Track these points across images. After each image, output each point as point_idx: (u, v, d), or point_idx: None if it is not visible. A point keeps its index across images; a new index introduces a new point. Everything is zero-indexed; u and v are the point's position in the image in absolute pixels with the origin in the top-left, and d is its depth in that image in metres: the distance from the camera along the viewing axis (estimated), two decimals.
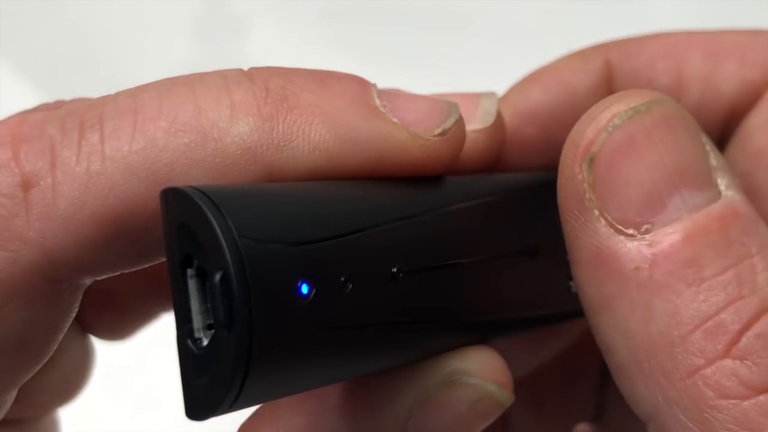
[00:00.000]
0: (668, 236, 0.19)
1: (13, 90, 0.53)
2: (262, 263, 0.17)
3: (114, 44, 0.57)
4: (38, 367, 0.20)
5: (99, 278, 0.19)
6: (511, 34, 0.55)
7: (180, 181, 0.18)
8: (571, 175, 0.20)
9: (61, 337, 0.20)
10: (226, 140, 0.19)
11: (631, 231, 0.19)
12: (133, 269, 0.20)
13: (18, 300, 0.18)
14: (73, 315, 0.20)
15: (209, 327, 0.17)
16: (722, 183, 0.20)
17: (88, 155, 0.18)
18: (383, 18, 0.58)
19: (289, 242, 0.17)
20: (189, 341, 0.17)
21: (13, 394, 0.21)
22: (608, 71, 0.26)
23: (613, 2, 0.55)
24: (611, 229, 0.19)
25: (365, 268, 0.18)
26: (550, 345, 0.29)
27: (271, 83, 0.19)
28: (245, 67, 0.20)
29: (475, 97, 0.24)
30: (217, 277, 0.16)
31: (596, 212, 0.19)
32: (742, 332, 0.18)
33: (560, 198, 0.20)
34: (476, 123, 0.23)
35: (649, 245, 0.19)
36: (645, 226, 0.19)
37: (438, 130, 0.21)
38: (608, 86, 0.26)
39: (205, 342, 0.17)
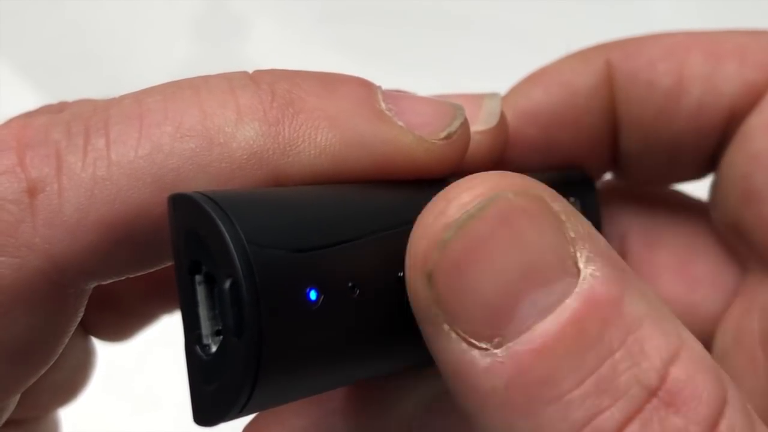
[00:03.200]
0: (520, 352, 0.17)
1: (14, 90, 0.53)
2: (271, 270, 0.17)
3: (114, 44, 0.57)
4: (43, 371, 0.20)
5: (104, 283, 0.19)
6: (512, 34, 0.55)
7: (186, 186, 0.18)
8: (415, 291, 0.18)
9: (66, 341, 0.20)
10: (232, 145, 0.19)
11: (483, 345, 0.17)
12: (139, 273, 0.20)
13: (24, 305, 0.18)
14: (79, 319, 0.20)
15: (217, 333, 0.17)
16: (582, 256, 0.17)
17: (94, 160, 0.18)
18: (383, 18, 0.58)
19: (298, 248, 0.17)
20: (197, 347, 0.17)
21: (17, 397, 0.21)
22: (609, 72, 0.26)
23: (613, 3, 0.55)
24: (464, 344, 0.17)
25: (372, 272, 0.18)
26: None
27: (277, 87, 0.19)
28: (246, 68, 0.20)
29: (479, 98, 0.24)
30: (227, 284, 0.16)
31: (446, 327, 0.17)
32: None
33: (413, 311, 0.18)
34: (480, 124, 0.23)
35: (503, 363, 0.17)
36: (496, 340, 0.17)
37: (443, 134, 0.21)
38: (609, 87, 0.26)
39: (214, 348, 0.17)
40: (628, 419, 0.17)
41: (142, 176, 0.18)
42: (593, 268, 0.17)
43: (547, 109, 0.26)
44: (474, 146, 0.22)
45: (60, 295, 0.19)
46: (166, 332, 0.28)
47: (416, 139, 0.20)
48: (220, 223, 0.16)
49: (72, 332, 0.20)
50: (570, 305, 0.17)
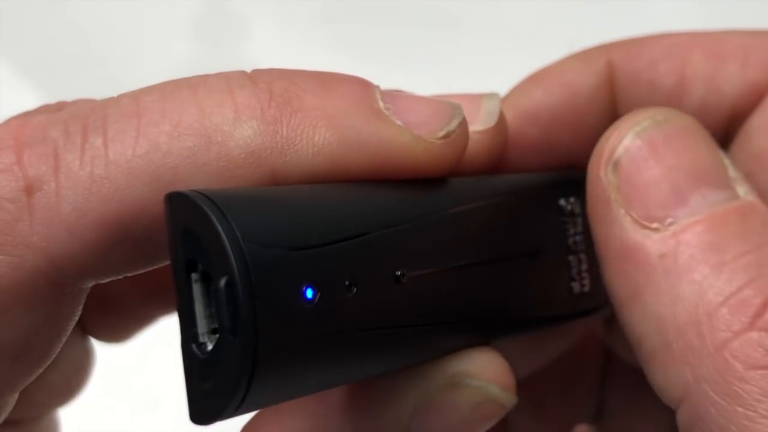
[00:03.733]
0: (691, 225, 0.20)
1: (13, 91, 0.53)
2: (266, 268, 0.17)
3: (114, 44, 0.57)
4: (41, 370, 0.20)
5: (102, 281, 0.19)
6: (512, 34, 0.55)
7: (184, 185, 0.18)
8: (597, 180, 0.22)
9: (64, 340, 0.20)
10: (229, 144, 0.19)
11: (655, 225, 0.21)
12: (137, 272, 0.20)
13: (22, 304, 0.18)
14: (77, 318, 0.20)
15: (214, 331, 0.17)
16: (741, 190, 0.21)
17: (92, 159, 0.18)
18: (383, 18, 0.58)
19: (294, 246, 0.17)
20: (193, 346, 0.17)
21: (16, 396, 0.21)
22: (610, 72, 0.26)
23: (615, 2, 0.55)
24: (637, 225, 0.21)
25: (369, 271, 0.18)
26: (551, 346, 0.29)
27: (275, 86, 0.19)
28: (246, 68, 0.20)
29: (478, 98, 0.23)
30: (222, 282, 0.16)
31: (622, 211, 0.21)
32: (765, 306, 0.19)
33: (588, 202, 0.22)
34: (479, 124, 0.23)
35: (673, 235, 0.20)
36: (669, 220, 0.21)
37: (442, 133, 0.21)
38: (610, 87, 0.26)
39: (210, 347, 0.17)
40: None
41: (140, 175, 0.18)
42: (751, 197, 0.21)
43: (548, 110, 0.26)
44: (473, 146, 0.22)
45: (58, 293, 0.19)
46: (166, 332, 0.28)
47: (414, 138, 0.20)
48: (215, 220, 0.16)
49: (70, 331, 0.20)
50: (735, 204, 0.21)
